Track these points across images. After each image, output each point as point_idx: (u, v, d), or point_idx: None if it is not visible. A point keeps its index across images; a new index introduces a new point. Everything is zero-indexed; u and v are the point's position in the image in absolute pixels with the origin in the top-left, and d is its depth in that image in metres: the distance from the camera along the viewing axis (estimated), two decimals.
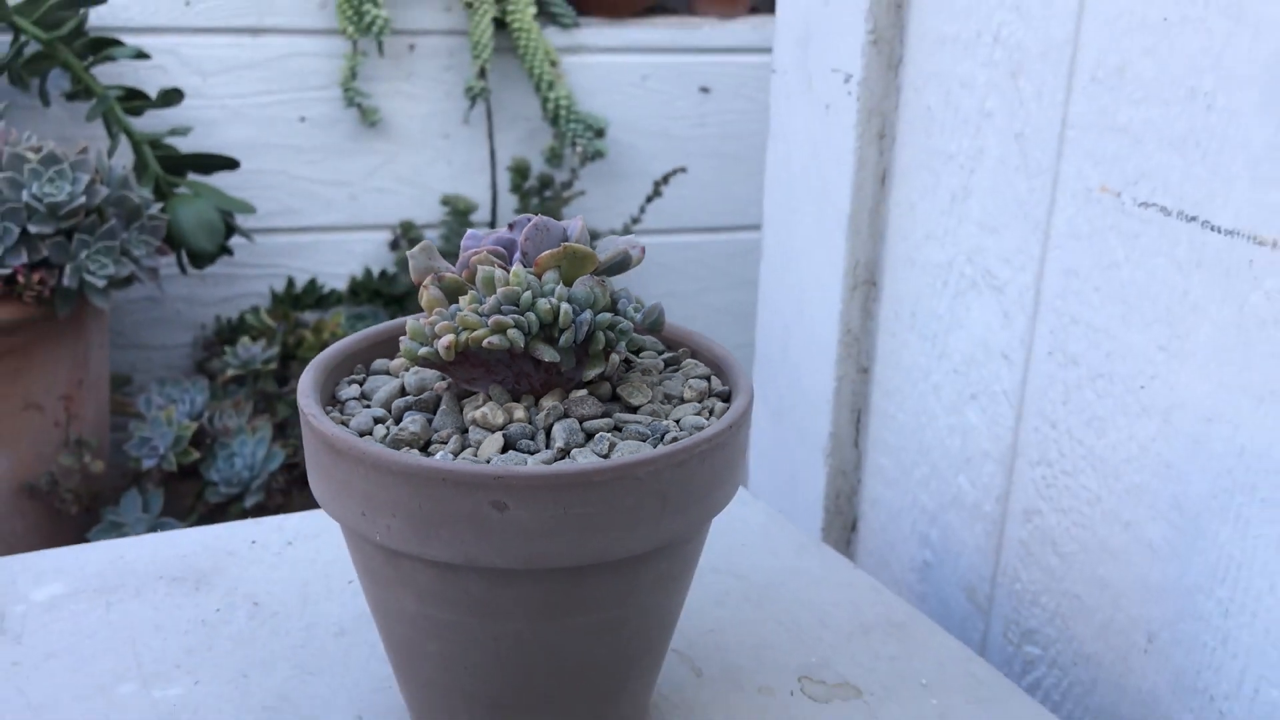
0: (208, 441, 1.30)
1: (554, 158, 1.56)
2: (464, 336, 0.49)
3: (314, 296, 1.49)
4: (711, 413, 0.53)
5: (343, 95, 1.51)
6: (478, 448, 0.49)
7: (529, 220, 0.54)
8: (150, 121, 1.46)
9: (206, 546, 0.70)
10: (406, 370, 0.55)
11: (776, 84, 0.88)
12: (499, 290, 0.49)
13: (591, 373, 0.51)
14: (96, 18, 1.41)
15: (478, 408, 0.51)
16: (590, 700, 0.53)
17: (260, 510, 1.27)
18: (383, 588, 0.51)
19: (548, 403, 0.51)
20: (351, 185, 1.53)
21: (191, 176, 1.45)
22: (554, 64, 1.49)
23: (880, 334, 0.82)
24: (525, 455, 0.48)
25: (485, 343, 0.49)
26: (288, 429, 1.34)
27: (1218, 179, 0.55)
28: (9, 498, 1.30)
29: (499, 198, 1.55)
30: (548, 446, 0.49)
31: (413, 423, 0.50)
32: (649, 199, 1.50)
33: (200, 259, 1.38)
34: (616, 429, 0.51)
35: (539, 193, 1.53)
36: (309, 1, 1.43)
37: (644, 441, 0.50)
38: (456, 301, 0.51)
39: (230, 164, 1.44)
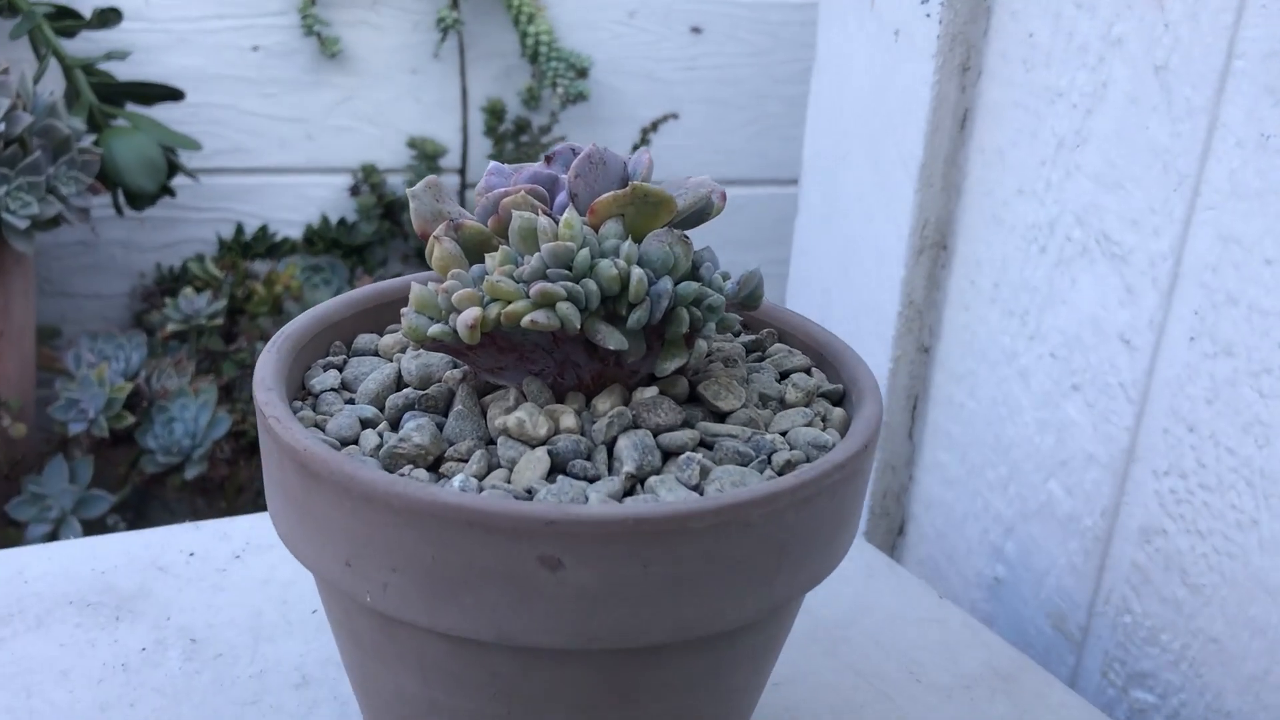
0: (144, 404, 1.13)
1: (532, 99, 1.40)
2: (494, 311, 0.33)
3: (265, 245, 1.32)
4: (825, 420, 0.38)
5: (300, 23, 1.34)
6: (511, 469, 0.34)
7: (576, 151, 0.38)
8: (84, 45, 1.28)
9: (132, 559, 0.54)
10: (404, 352, 0.40)
11: (827, 4, 0.72)
12: (544, 247, 0.34)
13: (670, 365, 0.35)
14: None
15: (509, 410, 0.35)
16: None
17: (202, 483, 1.11)
18: (373, 660, 0.35)
19: (605, 405, 0.36)
20: (308, 123, 1.35)
21: (130, 108, 1.27)
22: None
23: (949, 306, 0.67)
24: (582, 483, 0.33)
25: (526, 320, 0.33)
26: (234, 391, 1.17)
27: None
28: None
29: (470, 141, 1.38)
30: (611, 471, 0.34)
31: (418, 430, 0.35)
32: (635, 148, 1.34)
33: (139, 199, 1.20)
34: (704, 445, 0.35)
35: (514, 137, 1.37)
36: None
37: (745, 466, 0.34)
38: (480, 260, 0.36)
39: (174, 95, 1.26)
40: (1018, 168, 0.61)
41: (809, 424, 0.37)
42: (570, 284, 0.33)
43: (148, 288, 1.34)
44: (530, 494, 0.32)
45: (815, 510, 0.33)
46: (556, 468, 0.34)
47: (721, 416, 0.37)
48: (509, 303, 0.33)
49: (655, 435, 0.35)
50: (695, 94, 1.46)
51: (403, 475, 0.34)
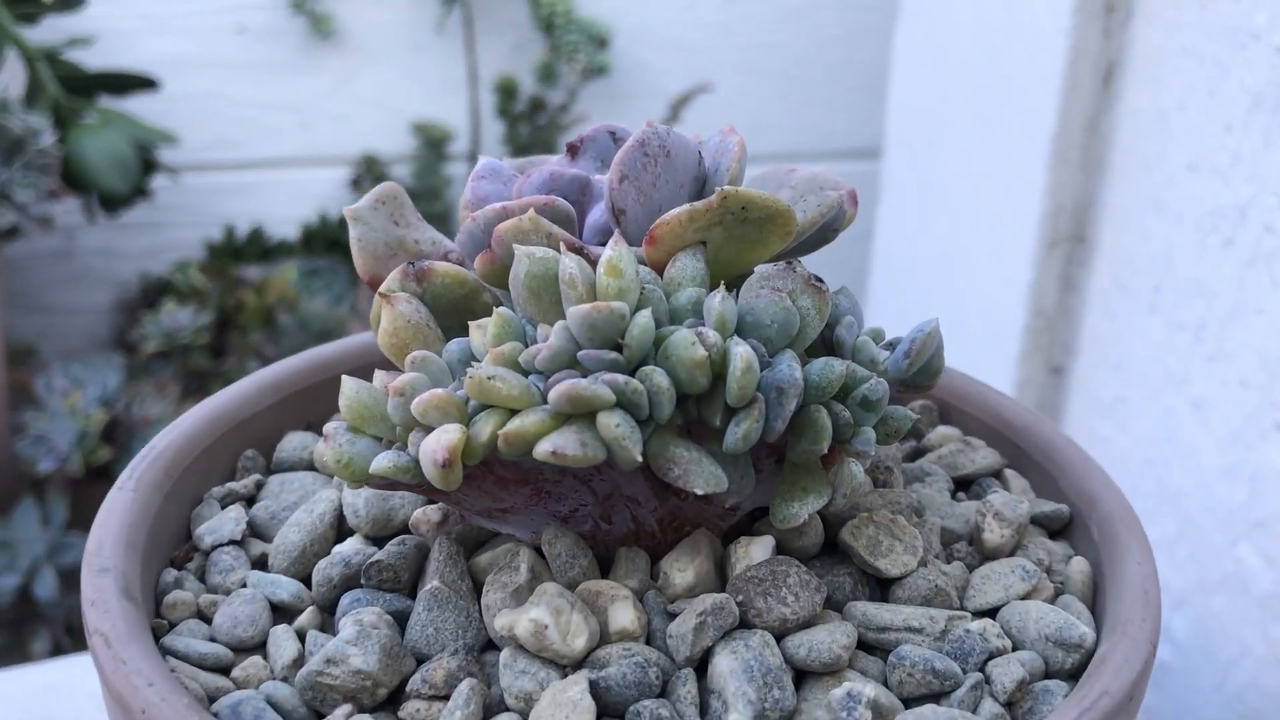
0: (123, 435, 0.99)
1: (547, 75, 1.27)
2: (488, 431, 0.18)
3: (259, 248, 1.19)
4: (1050, 574, 0.22)
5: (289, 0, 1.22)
6: (525, 717, 0.18)
7: (618, 136, 0.23)
8: (47, 33, 1.16)
9: (68, 679, 0.39)
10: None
11: None
12: (572, 311, 0.18)
13: (800, 510, 0.20)
14: None
15: (517, 593, 0.20)
16: None
17: None
18: None
19: (685, 575, 0.20)
20: (302, 110, 1.22)
21: (103, 101, 1.14)
22: None
23: (1090, 315, 0.51)
24: None
25: (543, 451, 0.17)
26: None
27: None
28: None
29: (481, 124, 1.25)
30: (703, 718, 0.18)
31: (360, 639, 0.19)
32: (666, 124, 1.19)
33: (111, 202, 1.06)
34: (863, 646, 0.20)
35: (529, 117, 1.24)
36: None
37: (948, 694, 0.19)
38: (463, 330, 0.20)
39: (148, 84, 1.13)
40: (1189, 136, 0.45)
41: (1031, 592, 0.21)
42: (622, 378, 0.18)
43: (132, 300, 1.20)
44: None
45: None
46: (608, 712, 0.18)
47: (885, 583, 0.21)
48: (512, 413, 0.18)
49: (779, 639, 0.19)
50: (729, 62, 1.32)
51: None
